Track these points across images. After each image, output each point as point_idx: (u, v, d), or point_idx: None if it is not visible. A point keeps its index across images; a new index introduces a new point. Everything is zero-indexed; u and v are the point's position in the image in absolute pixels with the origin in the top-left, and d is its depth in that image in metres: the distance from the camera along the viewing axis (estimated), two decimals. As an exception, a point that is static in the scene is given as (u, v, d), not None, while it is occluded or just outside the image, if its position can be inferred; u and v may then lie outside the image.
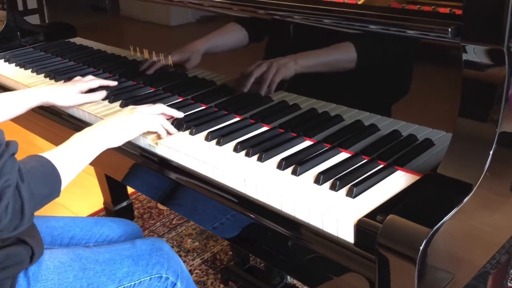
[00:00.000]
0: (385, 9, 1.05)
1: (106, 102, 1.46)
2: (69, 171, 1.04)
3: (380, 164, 1.04)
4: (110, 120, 1.19)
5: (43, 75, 1.72)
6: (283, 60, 1.21)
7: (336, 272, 0.91)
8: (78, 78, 1.51)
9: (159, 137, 1.24)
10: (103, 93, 1.46)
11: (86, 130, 1.14)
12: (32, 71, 1.76)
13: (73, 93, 1.41)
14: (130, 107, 1.26)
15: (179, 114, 1.31)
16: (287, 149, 1.13)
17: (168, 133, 1.24)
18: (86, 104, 1.43)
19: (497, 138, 0.86)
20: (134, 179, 1.38)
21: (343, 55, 1.11)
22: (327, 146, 1.12)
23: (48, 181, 0.98)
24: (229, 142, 1.18)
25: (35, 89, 1.39)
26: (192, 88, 1.43)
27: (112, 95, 1.47)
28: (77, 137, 1.11)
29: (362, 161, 1.06)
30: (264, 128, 1.25)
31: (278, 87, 1.24)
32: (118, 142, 1.17)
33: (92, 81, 1.48)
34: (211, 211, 1.12)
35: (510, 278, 1.41)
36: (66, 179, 1.03)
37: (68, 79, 1.63)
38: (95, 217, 1.67)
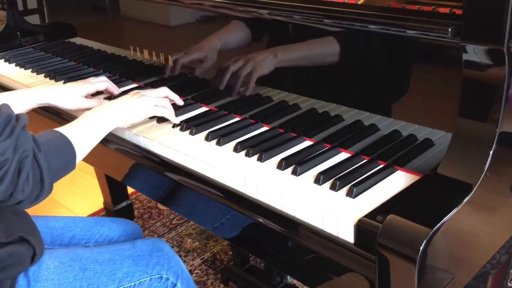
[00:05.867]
0: (385, 9, 1.05)
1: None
2: (82, 146, 1.07)
3: (380, 164, 1.04)
4: (118, 101, 1.21)
5: (43, 75, 1.72)
6: (283, 57, 1.21)
7: (336, 272, 0.92)
8: (90, 79, 1.42)
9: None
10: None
11: (97, 109, 1.17)
12: (32, 71, 1.76)
13: (77, 96, 1.34)
14: (136, 91, 1.27)
15: (180, 102, 1.35)
16: (287, 149, 1.13)
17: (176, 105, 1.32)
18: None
19: (497, 138, 0.86)
20: (134, 179, 1.38)
21: (343, 55, 1.11)
22: (327, 146, 1.12)
23: (63, 153, 1.01)
24: (229, 142, 1.18)
25: (38, 89, 1.33)
26: (192, 88, 1.43)
27: (113, 96, 1.47)
28: (89, 115, 1.14)
29: (362, 161, 1.06)
30: (264, 128, 1.25)
31: (279, 85, 1.24)
32: (126, 122, 1.22)
33: (100, 83, 1.41)
34: (211, 211, 1.12)
35: (510, 278, 1.41)
36: (80, 153, 1.06)
37: (68, 79, 1.63)
38: (95, 217, 1.67)
